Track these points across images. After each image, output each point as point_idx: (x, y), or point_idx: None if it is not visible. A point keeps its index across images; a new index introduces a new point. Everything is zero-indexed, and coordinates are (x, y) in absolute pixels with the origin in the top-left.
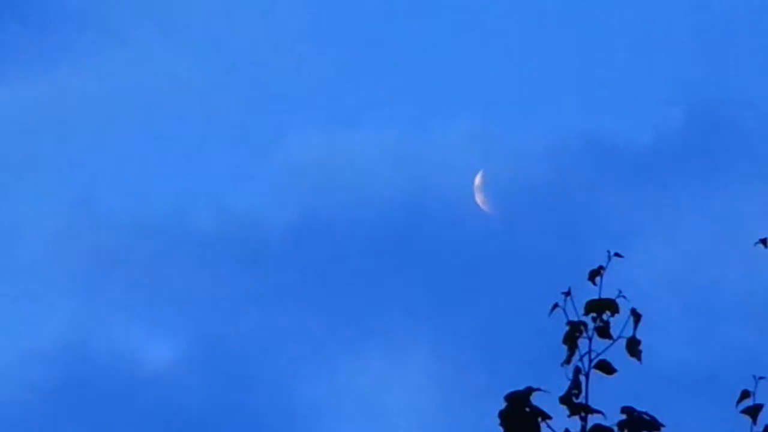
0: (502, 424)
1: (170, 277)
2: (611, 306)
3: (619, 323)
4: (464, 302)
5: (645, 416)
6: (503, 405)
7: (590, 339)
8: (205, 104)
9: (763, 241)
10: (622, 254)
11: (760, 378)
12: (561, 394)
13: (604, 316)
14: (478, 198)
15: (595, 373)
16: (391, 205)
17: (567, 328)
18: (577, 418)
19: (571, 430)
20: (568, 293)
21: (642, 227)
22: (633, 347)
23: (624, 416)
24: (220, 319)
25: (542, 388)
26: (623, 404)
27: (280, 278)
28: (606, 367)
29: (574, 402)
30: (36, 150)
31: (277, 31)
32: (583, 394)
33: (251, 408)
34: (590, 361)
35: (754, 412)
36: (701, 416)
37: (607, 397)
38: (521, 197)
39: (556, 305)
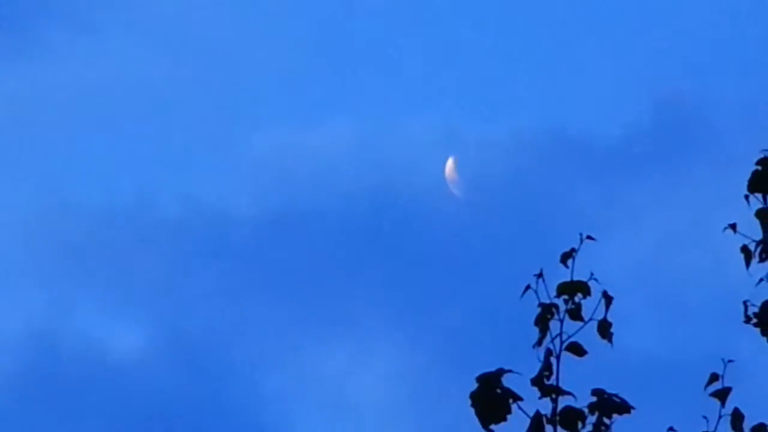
0: (473, 406)
1: (138, 267)
2: (583, 288)
3: (590, 306)
4: (435, 288)
5: (615, 398)
6: (474, 386)
7: (562, 321)
8: (172, 97)
9: (732, 227)
10: (594, 237)
11: (729, 361)
12: (532, 375)
13: (576, 299)
14: (450, 182)
15: (566, 355)
16: (359, 197)
17: (539, 310)
18: (548, 399)
19: (542, 411)
20: (540, 275)
21: (609, 220)
22: (604, 329)
23: (595, 398)
24: (187, 308)
25: (514, 369)
26: (594, 386)
27: (249, 269)
28: (577, 349)
29: (545, 384)
30: (3, 140)
31: (244, 26)
32: (555, 375)
33: (219, 396)
34: (561, 343)
35: (722, 395)
36: (667, 403)
37: (578, 380)
38: (490, 190)
39: (528, 287)
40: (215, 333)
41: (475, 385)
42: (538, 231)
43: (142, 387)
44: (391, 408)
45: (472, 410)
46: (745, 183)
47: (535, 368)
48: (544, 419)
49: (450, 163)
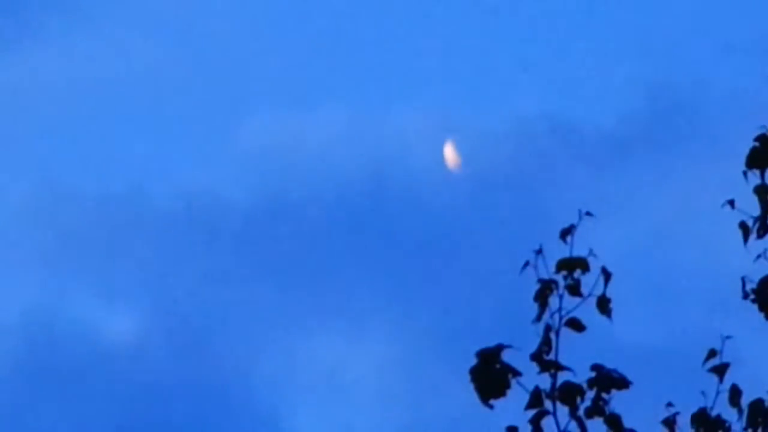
0: (472, 381)
1: (132, 254)
2: (582, 264)
3: (589, 282)
4: (433, 269)
5: (614, 374)
6: (474, 362)
7: (561, 297)
8: (165, 84)
9: (730, 203)
10: (592, 213)
11: (727, 337)
12: (532, 351)
13: (575, 274)
14: (450, 165)
15: (565, 331)
16: (354, 183)
17: (538, 285)
18: (547, 375)
19: (541, 386)
20: (539, 251)
21: (604, 205)
22: (603, 305)
23: (593, 373)
24: (180, 294)
25: (513, 345)
26: (593, 362)
27: (242, 254)
28: (576, 325)
29: (544, 359)
30: None
31: (236, 14)
32: (554, 351)
33: (212, 381)
34: (560, 318)
35: (720, 370)
36: (665, 380)
37: (577, 355)
38: (485, 176)
39: (527, 263)
40: (209, 318)
41: (474, 361)
42: (533, 216)
43: (136, 372)
44: (387, 389)
45: (472, 386)
46: (738, 167)
47: (535, 344)
48: (543, 394)
49: (449, 146)
